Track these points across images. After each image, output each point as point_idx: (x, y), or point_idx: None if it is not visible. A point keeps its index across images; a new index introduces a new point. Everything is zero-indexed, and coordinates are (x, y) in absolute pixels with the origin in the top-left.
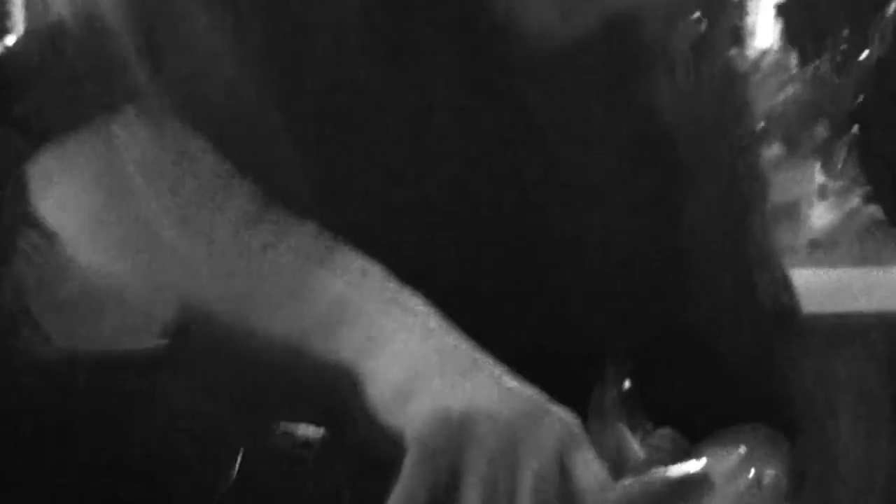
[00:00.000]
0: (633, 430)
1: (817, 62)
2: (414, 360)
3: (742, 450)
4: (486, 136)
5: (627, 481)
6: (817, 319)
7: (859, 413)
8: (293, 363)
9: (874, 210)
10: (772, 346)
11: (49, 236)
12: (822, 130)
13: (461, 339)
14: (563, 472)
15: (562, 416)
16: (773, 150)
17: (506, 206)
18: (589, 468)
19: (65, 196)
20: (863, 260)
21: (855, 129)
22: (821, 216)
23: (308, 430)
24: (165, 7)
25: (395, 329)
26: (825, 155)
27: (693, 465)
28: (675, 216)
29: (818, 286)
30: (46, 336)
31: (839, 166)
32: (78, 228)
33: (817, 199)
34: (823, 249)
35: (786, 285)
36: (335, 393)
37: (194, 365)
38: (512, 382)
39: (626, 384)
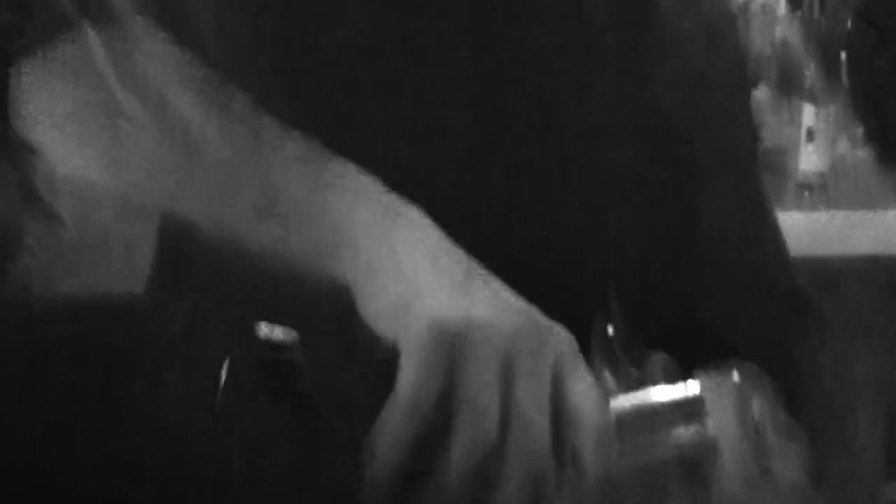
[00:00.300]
0: (621, 361)
1: (805, 4)
2: (412, 274)
3: (736, 377)
4: (498, 130)
5: (619, 400)
6: (806, 263)
7: (878, 408)
8: (287, 287)
9: (864, 153)
10: (789, 342)
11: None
12: (811, 74)
13: (461, 255)
14: (558, 387)
15: (559, 334)
16: (762, 93)
17: (519, 201)
18: (583, 385)
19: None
20: (853, 203)
21: (844, 71)
22: (810, 159)
23: (281, 334)
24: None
25: (395, 246)
26: (815, 98)
27: (685, 388)
28: (691, 210)
29: (807, 229)
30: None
31: (828, 109)
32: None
33: (806, 143)
34: (813, 192)
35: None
36: (332, 309)
37: (183, 301)
38: (511, 298)
39: (610, 329)
